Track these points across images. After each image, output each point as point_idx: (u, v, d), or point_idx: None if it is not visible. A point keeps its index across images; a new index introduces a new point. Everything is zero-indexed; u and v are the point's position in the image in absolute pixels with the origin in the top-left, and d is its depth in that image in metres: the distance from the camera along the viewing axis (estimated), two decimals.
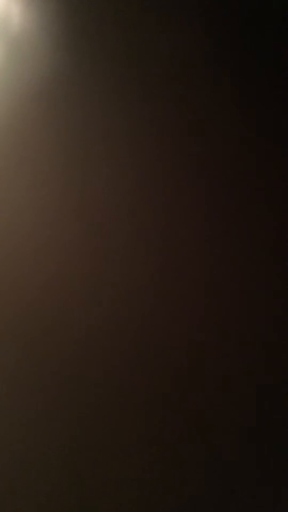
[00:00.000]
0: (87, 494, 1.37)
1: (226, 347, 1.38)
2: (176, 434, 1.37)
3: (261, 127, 1.42)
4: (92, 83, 1.44)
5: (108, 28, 1.44)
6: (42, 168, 1.44)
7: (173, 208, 1.41)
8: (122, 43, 1.44)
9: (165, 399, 1.37)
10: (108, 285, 1.40)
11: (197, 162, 1.42)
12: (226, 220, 1.40)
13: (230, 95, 1.42)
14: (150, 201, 1.42)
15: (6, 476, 1.38)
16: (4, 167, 1.44)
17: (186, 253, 1.40)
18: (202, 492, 1.35)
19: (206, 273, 1.39)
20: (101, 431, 1.38)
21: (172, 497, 1.36)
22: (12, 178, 1.44)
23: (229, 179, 1.41)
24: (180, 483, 1.36)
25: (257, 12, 1.43)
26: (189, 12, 1.43)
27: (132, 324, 1.39)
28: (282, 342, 1.37)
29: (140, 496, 1.36)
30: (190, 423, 1.37)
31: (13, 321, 1.41)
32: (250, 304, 1.38)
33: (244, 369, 1.37)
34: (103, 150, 1.43)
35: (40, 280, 1.41)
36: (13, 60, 1.45)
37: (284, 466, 1.35)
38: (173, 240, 1.40)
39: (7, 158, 1.45)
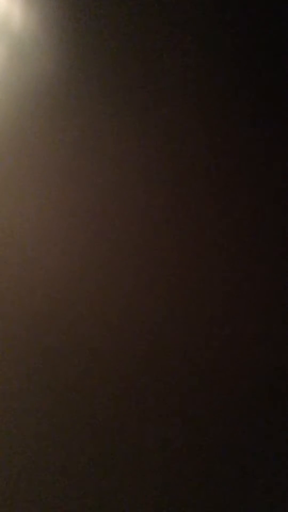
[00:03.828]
0: (88, 496, 1.37)
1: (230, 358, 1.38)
2: (179, 441, 1.37)
3: (263, 131, 1.42)
4: (94, 82, 1.44)
5: (110, 27, 1.44)
6: (43, 168, 1.44)
7: (174, 209, 1.41)
8: (124, 42, 1.44)
9: (170, 411, 1.37)
10: (107, 286, 1.40)
11: (202, 167, 1.42)
12: (231, 226, 1.40)
13: (237, 102, 1.42)
14: (152, 201, 1.42)
15: (8, 478, 1.38)
16: (5, 166, 1.44)
17: (187, 259, 1.40)
18: (203, 492, 1.36)
19: (211, 278, 1.40)
20: (102, 436, 1.38)
21: (174, 497, 1.36)
22: (12, 177, 1.44)
23: (233, 186, 1.41)
24: (181, 483, 1.36)
25: (258, 15, 1.43)
26: (193, 12, 1.43)
27: (135, 327, 1.39)
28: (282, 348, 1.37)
29: (142, 497, 1.36)
30: (193, 427, 1.37)
31: (9, 320, 1.41)
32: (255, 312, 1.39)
33: (245, 372, 1.37)
34: (104, 149, 1.43)
35: (39, 281, 1.41)
36: (15, 59, 1.45)
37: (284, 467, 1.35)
38: (173, 244, 1.41)
39: (9, 157, 1.44)
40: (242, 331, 1.38)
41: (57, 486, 1.37)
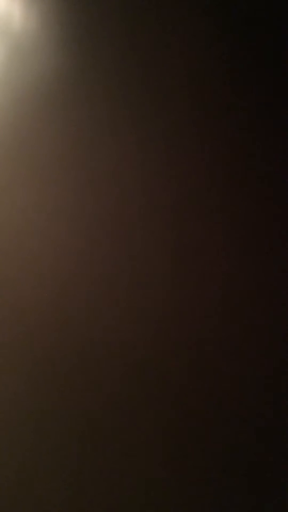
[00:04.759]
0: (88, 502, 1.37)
1: (229, 357, 1.38)
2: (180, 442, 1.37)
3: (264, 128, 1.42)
4: (95, 82, 1.44)
5: (110, 27, 1.44)
6: (43, 167, 1.44)
7: (177, 208, 1.41)
8: (124, 42, 1.44)
9: (170, 415, 1.37)
10: (107, 284, 1.41)
11: (203, 166, 1.42)
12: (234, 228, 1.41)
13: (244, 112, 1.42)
14: (152, 200, 1.42)
15: (9, 484, 1.38)
16: (5, 165, 1.44)
17: (188, 257, 1.40)
18: (203, 493, 1.36)
19: (211, 277, 1.40)
20: (103, 439, 1.38)
21: (175, 499, 1.36)
22: (12, 176, 1.44)
23: (233, 184, 1.41)
24: (182, 484, 1.36)
25: (258, 15, 1.43)
26: (194, 12, 1.43)
27: (135, 323, 1.39)
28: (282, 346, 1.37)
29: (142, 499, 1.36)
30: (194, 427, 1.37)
31: (8, 319, 1.42)
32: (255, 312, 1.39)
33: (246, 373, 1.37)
34: (104, 148, 1.43)
35: (37, 281, 1.41)
36: (15, 60, 1.45)
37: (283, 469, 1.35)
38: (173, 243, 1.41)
39: (8, 158, 1.45)
40: (242, 328, 1.38)
41: (56, 486, 1.37)
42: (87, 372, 1.38)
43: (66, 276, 1.41)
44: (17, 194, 1.44)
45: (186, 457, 1.36)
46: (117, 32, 1.44)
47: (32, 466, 1.38)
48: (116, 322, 1.39)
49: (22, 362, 1.40)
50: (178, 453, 1.36)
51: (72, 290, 1.40)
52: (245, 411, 1.36)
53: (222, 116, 1.42)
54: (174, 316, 1.38)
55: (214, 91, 1.42)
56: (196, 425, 1.36)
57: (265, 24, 1.43)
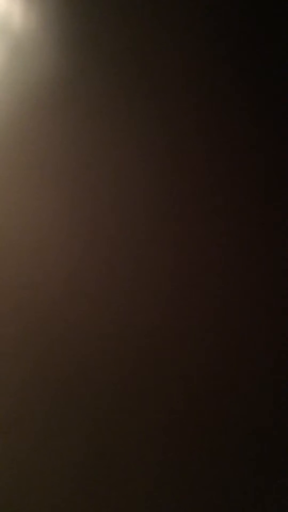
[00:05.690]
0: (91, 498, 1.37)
1: (229, 353, 1.38)
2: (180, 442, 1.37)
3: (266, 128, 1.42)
4: (94, 82, 1.44)
5: (110, 28, 1.45)
6: (43, 167, 1.44)
7: (176, 209, 1.41)
8: (124, 42, 1.44)
9: (170, 414, 1.37)
10: (107, 283, 1.41)
11: (202, 164, 1.42)
12: (231, 226, 1.41)
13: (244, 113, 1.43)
14: (151, 200, 1.42)
15: (8, 485, 1.38)
16: (5, 165, 1.44)
17: (187, 255, 1.40)
18: (203, 493, 1.36)
19: (210, 275, 1.40)
20: (104, 439, 1.38)
21: (174, 500, 1.36)
22: (12, 176, 1.44)
23: (232, 182, 1.41)
24: (182, 485, 1.36)
25: (258, 16, 1.43)
26: (193, 13, 1.43)
27: (135, 322, 1.39)
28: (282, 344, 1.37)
29: (142, 498, 1.36)
30: (194, 426, 1.37)
31: (9, 319, 1.42)
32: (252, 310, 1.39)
33: (246, 371, 1.37)
34: (104, 148, 1.43)
35: (37, 282, 1.41)
36: (15, 60, 1.45)
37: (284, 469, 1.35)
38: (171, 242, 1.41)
39: (8, 157, 1.45)
40: (241, 326, 1.38)
41: (56, 484, 1.37)
42: (88, 372, 1.39)
43: (66, 277, 1.41)
44: (17, 194, 1.44)
45: (188, 459, 1.36)
46: (117, 32, 1.44)
47: (33, 466, 1.38)
48: (116, 323, 1.39)
49: (23, 361, 1.40)
50: (180, 454, 1.36)
51: (72, 291, 1.40)
52: (246, 412, 1.36)
53: (224, 118, 1.42)
54: (175, 316, 1.38)
55: (216, 91, 1.42)
56: (198, 428, 1.36)
57: (265, 22, 1.43)
